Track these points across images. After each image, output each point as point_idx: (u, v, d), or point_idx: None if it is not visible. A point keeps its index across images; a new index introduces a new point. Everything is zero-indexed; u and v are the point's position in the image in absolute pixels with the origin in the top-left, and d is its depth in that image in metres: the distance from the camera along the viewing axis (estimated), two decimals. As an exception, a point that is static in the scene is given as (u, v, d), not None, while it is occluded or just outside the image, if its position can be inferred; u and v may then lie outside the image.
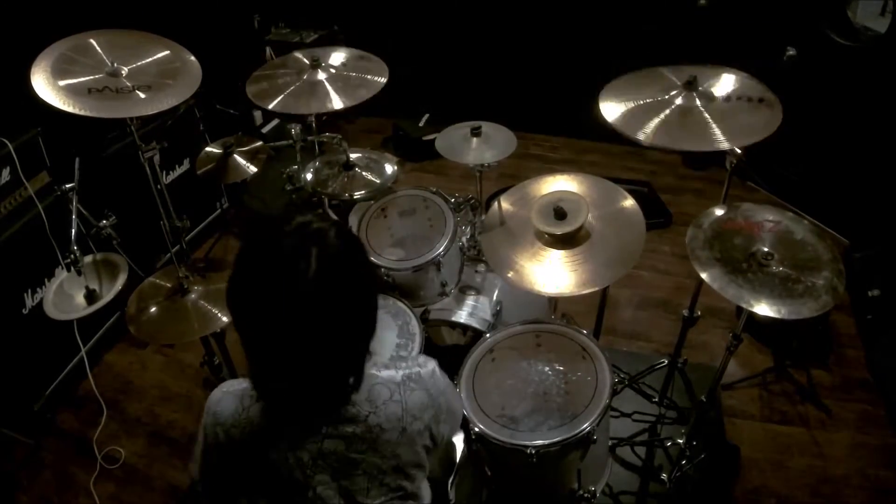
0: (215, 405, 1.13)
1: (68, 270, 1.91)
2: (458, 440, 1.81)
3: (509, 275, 1.75)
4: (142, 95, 1.76)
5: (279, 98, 2.20)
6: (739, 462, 2.35)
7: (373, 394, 1.11)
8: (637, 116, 1.76)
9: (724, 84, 1.82)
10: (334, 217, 2.74)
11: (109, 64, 1.79)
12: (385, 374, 1.15)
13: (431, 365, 1.22)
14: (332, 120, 4.50)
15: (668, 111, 1.75)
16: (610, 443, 2.22)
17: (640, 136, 1.69)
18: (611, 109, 1.80)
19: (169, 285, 2.00)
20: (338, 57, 2.39)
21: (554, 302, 2.13)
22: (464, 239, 2.30)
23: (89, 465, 2.44)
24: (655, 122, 1.72)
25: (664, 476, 2.24)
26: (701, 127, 1.70)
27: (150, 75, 1.83)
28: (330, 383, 1.07)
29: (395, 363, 1.20)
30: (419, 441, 1.14)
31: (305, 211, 1.02)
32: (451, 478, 1.79)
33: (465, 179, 3.87)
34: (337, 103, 2.18)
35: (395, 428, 1.10)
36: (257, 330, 1.00)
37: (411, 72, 3.46)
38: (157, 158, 1.97)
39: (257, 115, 3.90)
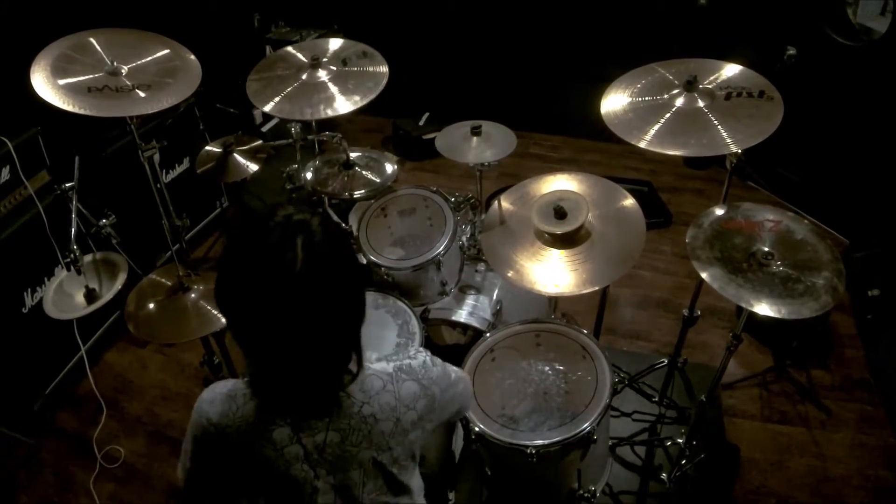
0: (207, 406, 1.13)
1: (68, 270, 1.91)
2: (458, 440, 1.81)
3: (509, 274, 1.75)
4: (141, 94, 1.76)
5: (278, 100, 2.19)
6: (739, 462, 2.35)
7: (366, 385, 1.11)
8: (638, 120, 1.75)
9: (724, 79, 1.80)
10: (333, 215, 2.78)
11: (109, 63, 1.79)
12: (377, 365, 1.16)
13: (422, 356, 1.22)
14: (332, 119, 4.49)
15: (668, 114, 1.73)
16: (610, 442, 2.22)
17: (642, 144, 1.68)
18: (612, 115, 1.79)
19: (169, 283, 1.99)
20: (335, 43, 2.39)
21: (554, 301, 2.12)
22: (464, 238, 2.29)
23: (89, 464, 2.44)
24: (657, 126, 1.71)
25: (664, 476, 2.24)
26: (706, 130, 1.67)
27: (150, 74, 1.83)
28: (324, 374, 1.07)
29: (387, 357, 1.21)
30: (412, 432, 1.15)
31: (287, 205, 1.01)
32: (453, 481, 1.78)
33: (465, 178, 3.87)
34: (342, 106, 2.18)
35: (390, 418, 1.11)
36: (249, 325, 0.99)
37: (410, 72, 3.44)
38: (156, 157, 1.97)
39: (257, 113, 3.89)
